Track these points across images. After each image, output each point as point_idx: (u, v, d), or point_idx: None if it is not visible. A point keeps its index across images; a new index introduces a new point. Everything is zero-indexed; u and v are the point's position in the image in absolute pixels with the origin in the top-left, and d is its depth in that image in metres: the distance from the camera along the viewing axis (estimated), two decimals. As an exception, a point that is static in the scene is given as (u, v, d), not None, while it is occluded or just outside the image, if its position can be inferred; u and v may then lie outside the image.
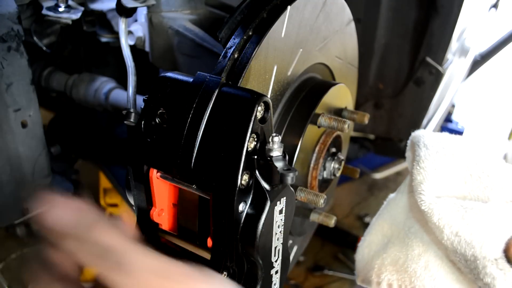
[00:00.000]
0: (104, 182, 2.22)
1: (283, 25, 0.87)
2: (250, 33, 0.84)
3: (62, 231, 0.63)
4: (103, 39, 1.51)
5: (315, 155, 1.02)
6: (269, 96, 0.88)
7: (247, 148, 0.71)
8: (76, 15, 1.23)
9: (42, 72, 1.69)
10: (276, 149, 0.74)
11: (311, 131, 0.98)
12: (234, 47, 0.83)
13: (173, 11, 1.26)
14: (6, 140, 1.20)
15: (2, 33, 1.10)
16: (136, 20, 1.33)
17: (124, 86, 1.46)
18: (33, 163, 1.29)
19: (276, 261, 0.82)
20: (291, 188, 0.80)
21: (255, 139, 0.73)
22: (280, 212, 0.78)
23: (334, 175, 1.08)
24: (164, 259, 0.63)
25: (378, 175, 3.12)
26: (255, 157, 0.73)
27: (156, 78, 0.80)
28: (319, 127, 0.98)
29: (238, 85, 0.80)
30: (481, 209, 0.89)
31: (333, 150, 1.06)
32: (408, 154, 1.09)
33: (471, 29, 2.16)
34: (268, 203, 0.74)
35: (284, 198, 0.78)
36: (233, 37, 0.84)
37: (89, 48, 1.78)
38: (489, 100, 4.21)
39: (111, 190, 2.21)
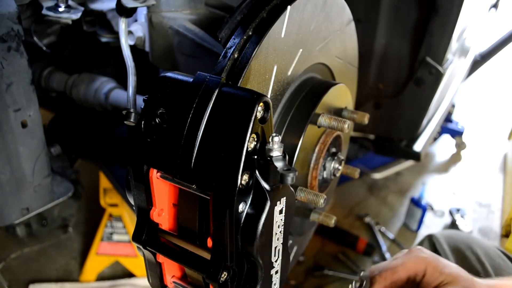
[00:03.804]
0: (104, 182, 2.22)
1: (283, 25, 0.87)
2: (250, 33, 0.84)
3: None
4: (103, 39, 1.50)
5: (315, 155, 1.02)
6: (269, 96, 0.88)
7: (247, 148, 0.71)
8: (76, 15, 1.23)
9: (42, 72, 1.70)
10: (276, 149, 0.74)
11: (311, 131, 0.98)
12: (234, 47, 0.83)
13: (173, 11, 1.26)
14: (6, 140, 1.20)
15: (2, 33, 1.10)
16: (136, 20, 1.33)
17: (124, 86, 1.46)
18: (33, 163, 1.29)
19: (276, 261, 0.82)
20: (291, 188, 0.80)
21: (255, 139, 0.73)
22: (280, 212, 0.78)
23: (334, 175, 1.08)
24: None
25: (378, 175, 3.12)
26: (255, 157, 0.73)
27: (156, 78, 0.80)
28: (319, 127, 0.98)
29: (238, 85, 0.80)
30: None
31: (333, 150, 1.06)
32: None
33: (471, 29, 2.16)
34: (268, 203, 0.74)
35: (284, 198, 0.78)
36: (233, 37, 0.84)
37: (89, 48, 1.78)
38: (489, 100, 4.21)
39: (111, 190, 2.21)
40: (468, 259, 1.27)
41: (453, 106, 3.45)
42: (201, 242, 0.80)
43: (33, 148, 1.27)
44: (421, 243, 1.41)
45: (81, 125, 1.94)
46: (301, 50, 0.95)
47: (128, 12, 1.13)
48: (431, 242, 1.37)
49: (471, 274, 1.21)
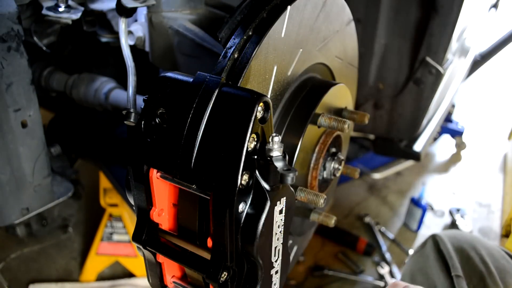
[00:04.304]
0: (104, 182, 2.22)
1: (283, 25, 0.87)
2: (250, 33, 0.84)
3: None
4: (103, 39, 1.51)
5: (315, 155, 1.02)
6: (269, 96, 0.88)
7: (247, 148, 0.71)
8: (76, 15, 1.23)
9: (42, 72, 1.70)
10: (276, 149, 0.74)
11: (311, 131, 0.98)
12: (234, 47, 0.83)
13: (173, 11, 1.26)
14: (6, 140, 1.20)
15: (2, 33, 1.10)
16: (136, 20, 1.33)
17: (124, 86, 1.46)
18: (33, 163, 1.29)
19: (276, 261, 0.82)
20: (291, 188, 0.80)
21: (255, 139, 0.73)
22: (280, 212, 0.78)
23: (334, 175, 1.08)
24: None
25: (378, 175, 3.12)
26: (255, 157, 0.73)
27: (156, 78, 0.80)
28: (319, 127, 0.98)
29: (238, 85, 0.80)
30: None
31: (333, 150, 1.06)
32: None
33: (471, 29, 2.16)
34: (268, 203, 0.74)
35: (284, 198, 0.78)
36: (233, 37, 0.84)
37: (89, 48, 1.78)
38: (489, 100, 4.21)
39: (111, 190, 2.21)
40: (472, 259, 1.27)
41: (453, 106, 3.45)
42: (201, 242, 0.80)
43: (33, 148, 1.27)
44: (424, 243, 1.41)
45: (81, 125, 1.94)
46: (301, 50, 0.95)
47: (128, 12, 1.13)
48: (435, 242, 1.36)
49: (475, 274, 1.21)
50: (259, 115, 0.72)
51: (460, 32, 1.81)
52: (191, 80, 0.77)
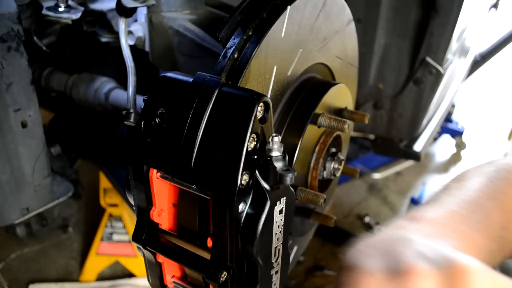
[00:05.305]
0: (104, 182, 2.22)
1: (283, 25, 0.87)
2: (250, 33, 0.84)
3: None
4: (103, 39, 1.51)
5: (315, 155, 1.02)
6: (269, 96, 0.88)
7: (247, 148, 0.71)
8: (76, 15, 1.23)
9: (42, 72, 1.70)
10: (276, 149, 0.74)
11: (311, 131, 0.98)
12: (234, 47, 0.83)
13: (173, 11, 1.26)
14: (6, 140, 1.20)
15: (2, 33, 1.10)
16: (136, 20, 1.33)
17: (124, 86, 1.46)
18: (33, 163, 1.29)
19: (276, 261, 0.82)
20: (291, 188, 0.80)
21: (255, 139, 0.73)
22: (280, 212, 0.78)
23: (334, 175, 1.08)
24: None
25: (378, 175, 3.12)
26: (255, 157, 0.73)
27: (156, 78, 0.80)
28: (319, 127, 0.98)
29: (238, 85, 0.80)
30: None
31: (333, 150, 1.06)
32: None
33: (471, 29, 2.16)
34: (268, 203, 0.74)
35: (284, 198, 0.78)
36: (233, 37, 0.84)
37: (89, 48, 1.78)
38: (489, 100, 4.21)
39: (111, 190, 2.21)
40: None
41: (453, 106, 3.45)
42: (201, 242, 0.80)
43: (33, 148, 1.27)
44: None
45: (81, 125, 1.94)
46: (301, 50, 0.95)
47: (128, 12, 1.13)
48: None
49: None
50: (259, 115, 0.72)
51: (460, 32, 1.81)
52: (191, 80, 0.77)
